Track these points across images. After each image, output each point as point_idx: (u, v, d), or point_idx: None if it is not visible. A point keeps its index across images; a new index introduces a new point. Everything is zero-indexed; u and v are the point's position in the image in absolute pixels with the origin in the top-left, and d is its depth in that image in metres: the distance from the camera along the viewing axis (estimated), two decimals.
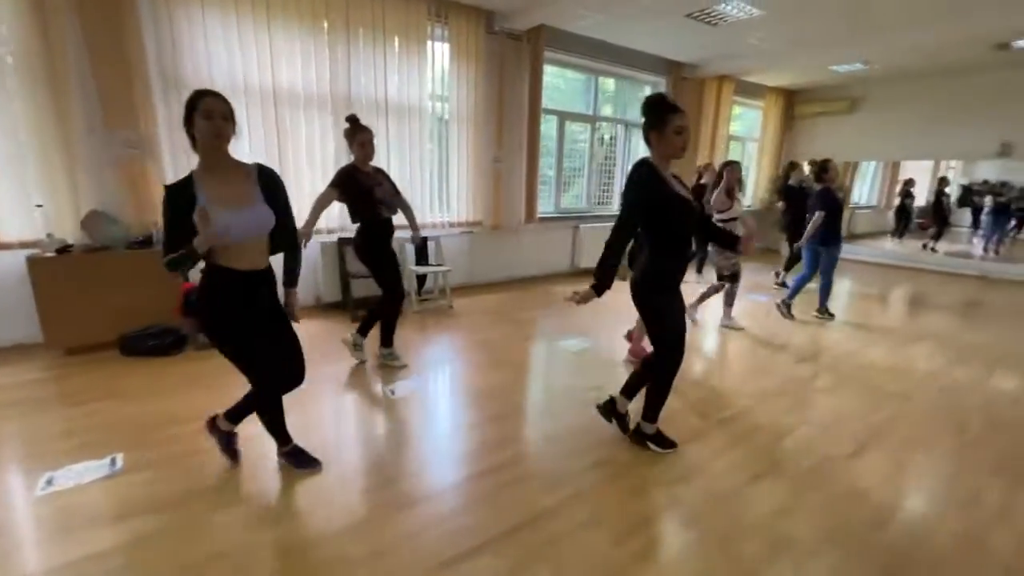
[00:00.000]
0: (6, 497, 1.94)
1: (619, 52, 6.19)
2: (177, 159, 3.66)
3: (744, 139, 8.91)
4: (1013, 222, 8.77)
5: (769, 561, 1.70)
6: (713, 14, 4.77)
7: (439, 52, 4.81)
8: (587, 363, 3.52)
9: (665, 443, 2.35)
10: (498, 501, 1.98)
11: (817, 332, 4.33)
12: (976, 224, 9.30)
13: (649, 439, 2.36)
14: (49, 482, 2.00)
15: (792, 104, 8.82)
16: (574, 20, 5.04)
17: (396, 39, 4.41)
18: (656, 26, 5.30)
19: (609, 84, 6.85)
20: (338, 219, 4.44)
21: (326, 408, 2.75)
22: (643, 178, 2.04)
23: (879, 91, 7.86)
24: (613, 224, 2.07)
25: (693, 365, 3.46)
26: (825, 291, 4.65)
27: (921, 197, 9.56)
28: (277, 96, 3.92)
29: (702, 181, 6.03)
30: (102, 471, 2.09)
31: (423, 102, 4.69)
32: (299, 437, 2.20)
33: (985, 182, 8.94)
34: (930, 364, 3.62)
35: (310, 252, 4.20)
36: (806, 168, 6.61)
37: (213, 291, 1.83)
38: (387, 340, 3.28)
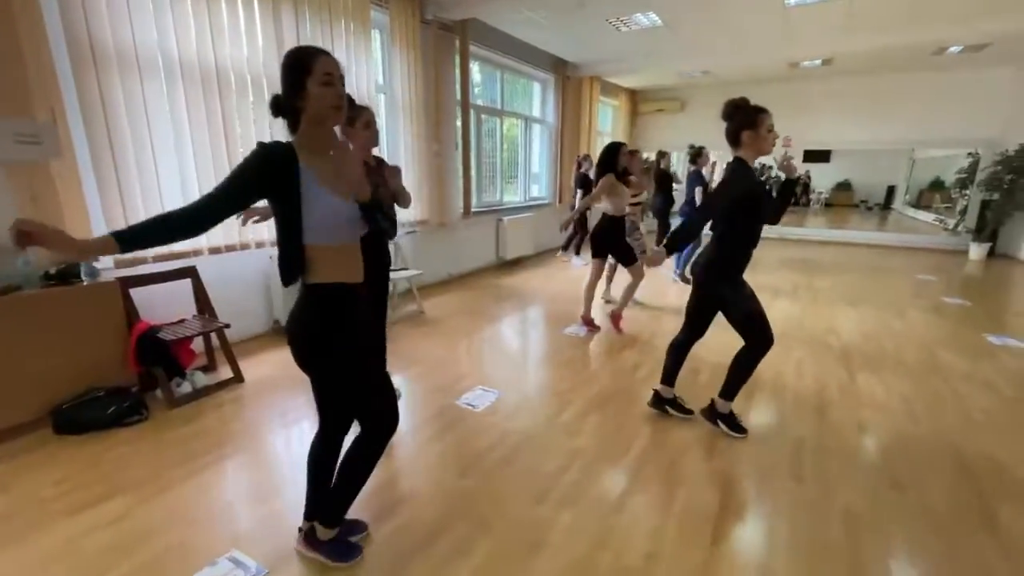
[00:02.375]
0: None
1: (521, 47, 6.43)
2: (102, 158, 2.71)
3: (603, 133, 10.05)
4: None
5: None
6: (628, 21, 5.34)
7: (381, 40, 4.40)
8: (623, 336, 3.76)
9: (737, 427, 2.44)
10: None
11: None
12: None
13: (721, 419, 2.45)
14: None
15: (636, 102, 10.25)
16: (511, 15, 5.11)
17: (343, 22, 3.90)
18: (571, 25, 5.67)
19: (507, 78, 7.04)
20: None
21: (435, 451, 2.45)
22: (745, 174, 2.26)
23: (701, 95, 9.67)
24: (697, 208, 2.22)
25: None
26: (688, 259, 5.53)
27: None
28: (220, 78, 3.16)
29: (582, 171, 6.71)
30: None
31: (372, 92, 4.25)
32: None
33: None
34: (791, 304, 4.80)
35: (261, 267, 3.56)
36: (673, 156, 7.84)
37: (329, 307, 1.40)
38: None
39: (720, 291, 2.30)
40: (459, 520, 1.83)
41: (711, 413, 2.50)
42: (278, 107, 1.33)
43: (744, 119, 2.25)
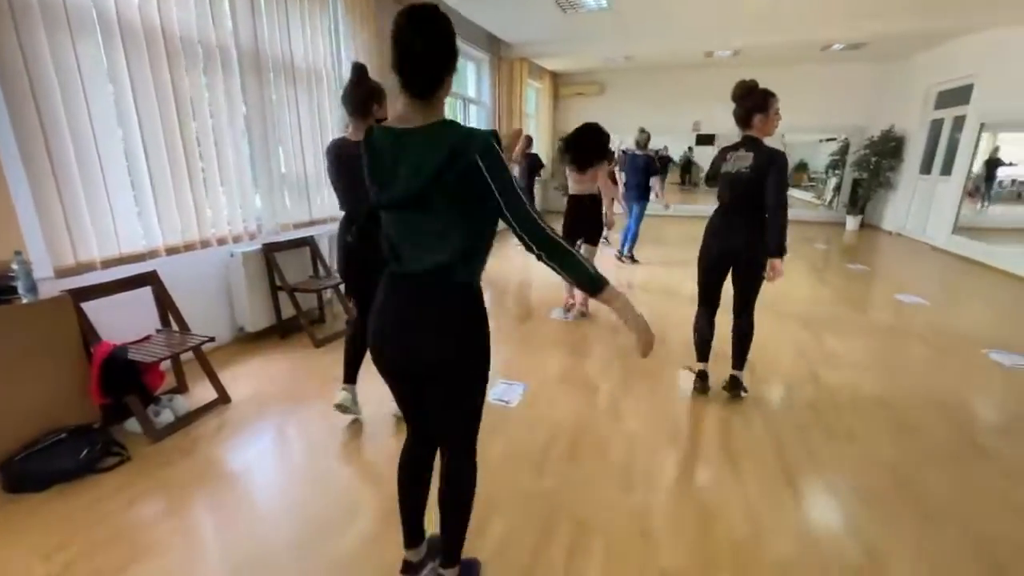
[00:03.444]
0: None
1: (459, 24, 6.18)
2: (24, 121, 2.12)
3: (529, 116, 10.06)
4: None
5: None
6: (576, 3, 5.35)
7: (334, 10, 3.95)
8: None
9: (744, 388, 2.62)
10: None
11: (634, 271, 5.65)
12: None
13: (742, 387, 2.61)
14: None
15: (557, 85, 10.39)
16: None
17: None
18: (521, 2, 5.54)
19: None
20: (265, 217, 3.35)
21: None
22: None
23: (619, 79, 10.06)
24: (781, 204, 2.28)
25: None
26: (634, 239, 5.85)
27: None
28: (168, 43, 2.61)
29: (532, 151, 6.78)
30: None
31: (330, 68, 3.82)
32: None
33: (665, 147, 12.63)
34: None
35: (220, 267, 3.12)
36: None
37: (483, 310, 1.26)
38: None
39: (764, 263, 2.42)
40: (558, 522, 1.77)
41: (735, 384, 2.63)
42: None
43: (758, 102, 2.35)
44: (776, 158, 2.28)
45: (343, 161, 2.07)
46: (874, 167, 8.52)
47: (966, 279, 5.44)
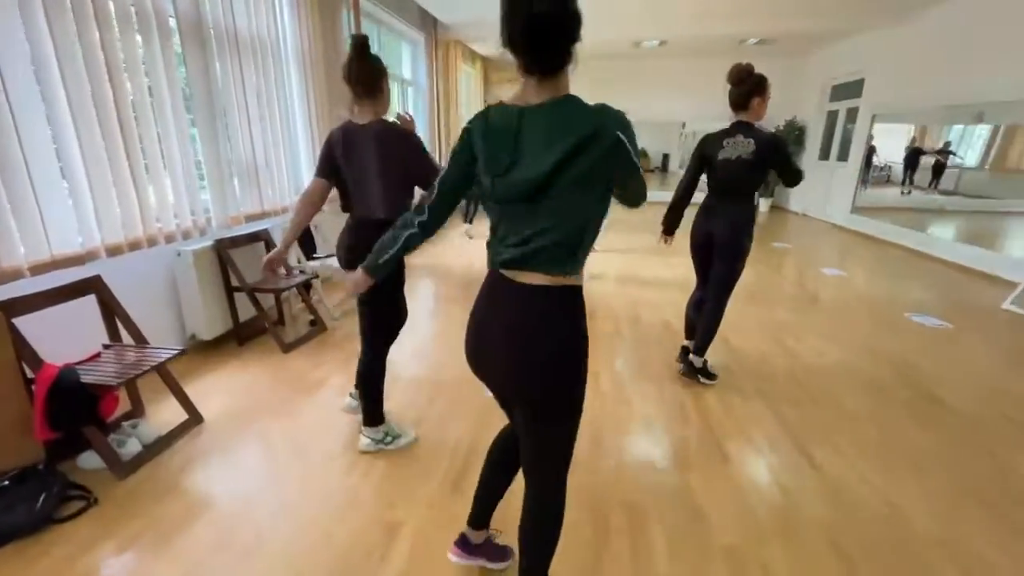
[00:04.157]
0: None
1: (398, 0, 5.84)
2: None
3: (462, 103, 9.82)
4: None
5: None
6: None
7: None
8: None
9: (711, 375, 2.69)
10: None
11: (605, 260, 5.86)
12: None
13: (700, 372, 2.66)
14: None
15: (488, 71, 10.23)
16: None
17: None
18: None
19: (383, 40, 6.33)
20: (214, 209, 2.95)
21: None
22: None
23: None
24: (801, 172, 2.39)
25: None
26: None
27: None
28: (98, 8, 2.17)
29: None
30: None
31: (280, 38, 3.42)
32: None
33: None
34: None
35: (167, 268, 2.74)
36: None
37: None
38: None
39: (747, 247, 2.53)
40: (611, 514, 1.75)
41: (691, 369, 2.68)
42: None
43: (757, 85, 2.39)
44: (778, 141, 2.40)
45: (354, 149, 1.83)
46: None
47: (868, 252, 6.18)
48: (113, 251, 2.32)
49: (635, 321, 3.62)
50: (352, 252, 1.86)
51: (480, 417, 2.32)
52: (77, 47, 2.10)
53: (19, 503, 1.64)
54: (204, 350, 2.96)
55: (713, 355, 2.78)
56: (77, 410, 1.86)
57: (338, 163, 1.87)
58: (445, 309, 4.00)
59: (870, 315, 3.84)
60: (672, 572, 1.51)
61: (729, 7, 6.16)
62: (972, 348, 3.26)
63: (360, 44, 1.84)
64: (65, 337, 2.06)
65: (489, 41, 8.28)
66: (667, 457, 2.08)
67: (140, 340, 2.22)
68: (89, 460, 1.95)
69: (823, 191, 8.45)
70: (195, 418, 2.25)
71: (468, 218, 6.86)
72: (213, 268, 2.91)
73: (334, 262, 3.74)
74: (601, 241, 6.13)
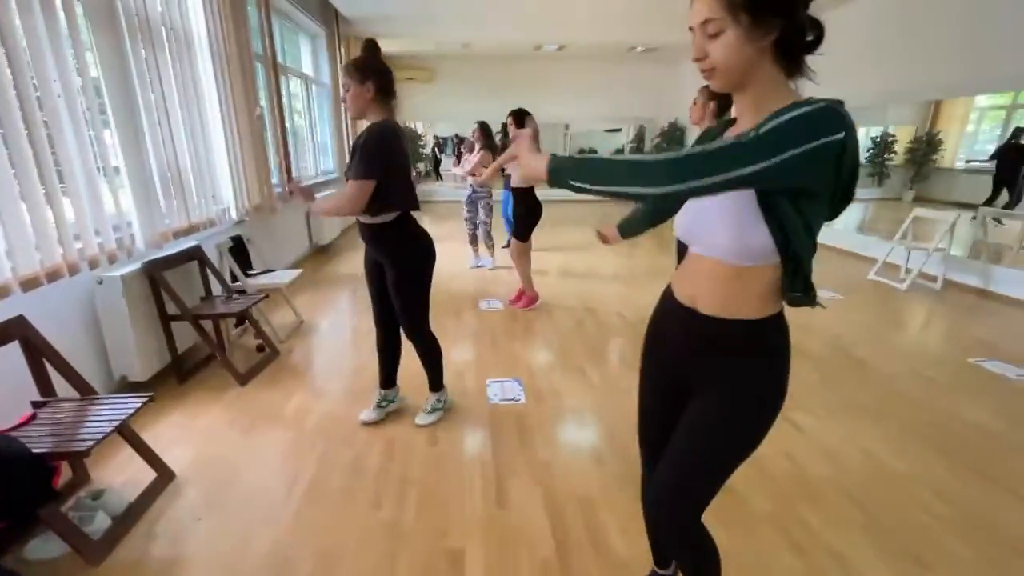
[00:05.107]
0: None
1: None
2: None
3: None
4: None
5: None
6: None
7: None
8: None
9: None
10: None
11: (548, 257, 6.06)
12: None
13: None
14: None
15: (393, 70, 9.81)
16: None
17: None
18: None
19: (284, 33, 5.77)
20: (140, 225, 2.49)
21: None
22: None
23: (450, 67, 10.00)
24: None
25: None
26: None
27: None
28: None
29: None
30: None
31: (191, 25, 2.95)
32: None
33: None
34: (619, 255, 6.05)
35: (80, 301, 2.31)
36: None
37: None
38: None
39: None
40: None
41: None
42: None
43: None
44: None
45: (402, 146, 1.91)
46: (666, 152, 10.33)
47: None
48: (28, 285, 1.85)
49: (592, 313, 3.77)
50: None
51: (492, 423, 2.27)
52: None
53: None
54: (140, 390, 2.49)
55: None
56: (28, 489, 1.47)
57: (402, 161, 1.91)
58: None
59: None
60: (728, 538, 1.59)
61: (622, 12, 6.52)
62: (864, 312, 3.91)
63: (373, 46, 1.87)
64: None
65: (397, 38, 7.95)
66: None
67: (85, 390, 1.80)
68: (41, 549, 1.56)
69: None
70: (166, 475, 1.89)
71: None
72: (145, 295, 2.45)
73: (272, 279, 3.38)
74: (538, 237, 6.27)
